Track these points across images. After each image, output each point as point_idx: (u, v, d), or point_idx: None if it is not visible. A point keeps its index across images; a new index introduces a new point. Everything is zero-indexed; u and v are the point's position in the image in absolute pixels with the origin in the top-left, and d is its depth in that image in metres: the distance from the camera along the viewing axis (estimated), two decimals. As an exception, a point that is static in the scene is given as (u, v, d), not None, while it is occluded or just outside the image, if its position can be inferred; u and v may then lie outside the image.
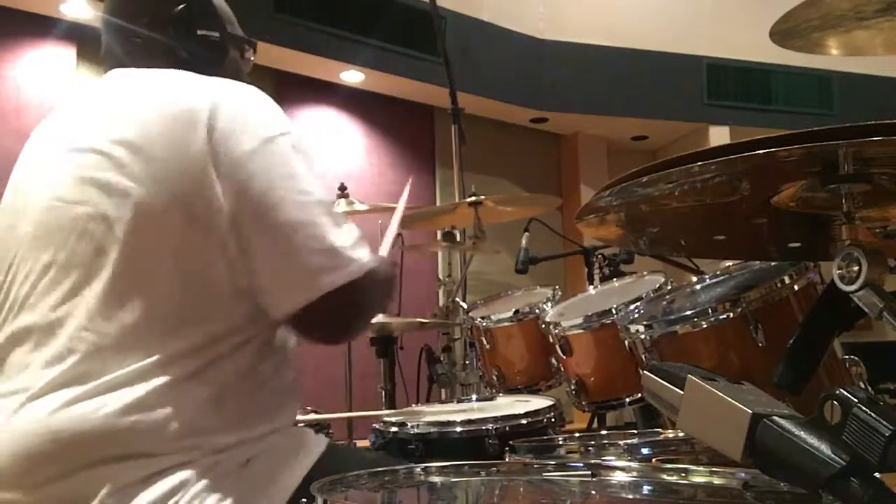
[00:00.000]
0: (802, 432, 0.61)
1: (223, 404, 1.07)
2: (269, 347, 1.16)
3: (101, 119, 1.16)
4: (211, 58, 1.29)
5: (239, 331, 1.10)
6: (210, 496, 1.03)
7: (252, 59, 1.41)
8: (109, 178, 1.08)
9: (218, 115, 1.09)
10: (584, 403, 2.13)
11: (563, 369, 2.19)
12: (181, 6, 1.27)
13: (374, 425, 1.84)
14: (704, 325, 1.53)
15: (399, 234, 3.12)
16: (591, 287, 2.63)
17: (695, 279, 1.83)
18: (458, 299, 3.01)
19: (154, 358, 1.03)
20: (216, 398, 1.06)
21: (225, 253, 1.07)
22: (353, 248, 1.11)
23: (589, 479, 0.88)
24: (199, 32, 1.29)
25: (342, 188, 3.02)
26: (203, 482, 1.03)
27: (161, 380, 1.03)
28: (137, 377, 1.02)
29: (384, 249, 1.50)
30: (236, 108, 1.11)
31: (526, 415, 1.73)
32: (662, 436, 1.38)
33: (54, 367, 1.03)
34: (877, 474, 0.59)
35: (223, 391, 1.07)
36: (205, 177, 1.07)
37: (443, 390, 2.86)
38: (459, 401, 2.23)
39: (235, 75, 1.25)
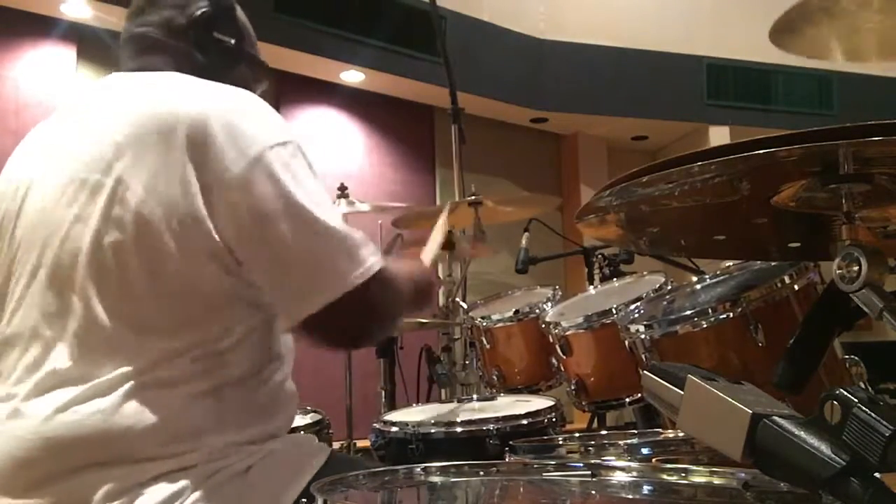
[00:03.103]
0: (802, 432, 0.61)
1: (219, 408, 1.07)
2: (266, 352, 1.15)
3: (92, 122, 1.15)
4: (223, 65, 1.27)
5: (234, 336, 1.08)
6: (213, 500, 1.02)
7: (264, 86, 1.39)
8: (95, 182, 1.07)
9: (205, 125, 1.05)
10: (584, 403, 2.13)
11: (563, 369, 2.19)
12: (203, 9, 1.26)
13: (373, 425, 1.84)
14: (704, 325, 1.53)
15: (399, 235, 3.13)
16: (591, 287, 2.63)
17: (695, 279, 1.83)
18: (458, 299, 3.00)
19: (145, 362, 1.03)
20: (212, 402, 1.06)
21: (216, 260, 1.05)
22: (360, 249, 1.09)
23: (589, 479, 0.88)
24: (215, 35, 1.28)
25: (342, 188, 3.02)
26: (202, 489, 1.02)
27: (153, 383, 1.02)
28: (128, 381, 1.02)
29: (426, 260, 1.52)
30: (225, 119, 1.07)
31: (526, 415, 1.73)
32: (662, 436, 1.38)
33: (44, 370, 1.03)
34: (877, 474, 0.59)
35: (219, 395, 1.07)
36: (188, 184, 1.04)
37: (443, 390, 2.86)
38: (460, 401, 2.23)
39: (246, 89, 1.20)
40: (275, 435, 1.15)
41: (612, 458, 1.13)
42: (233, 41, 1.30)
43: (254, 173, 1.05)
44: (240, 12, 1.34)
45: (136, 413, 1.01)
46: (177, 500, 1.00)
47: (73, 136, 1.15)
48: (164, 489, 1.00)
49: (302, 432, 1.83)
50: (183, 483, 1.01)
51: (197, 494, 1.02)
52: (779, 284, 1.48)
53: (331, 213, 1.10)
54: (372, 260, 1.10)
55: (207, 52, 1.26)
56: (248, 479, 1.08)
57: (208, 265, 1.05)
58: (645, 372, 0.73)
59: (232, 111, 1.09)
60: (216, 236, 1.04)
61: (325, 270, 1.07)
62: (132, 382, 1.02)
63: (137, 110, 1.10)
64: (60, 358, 1.04)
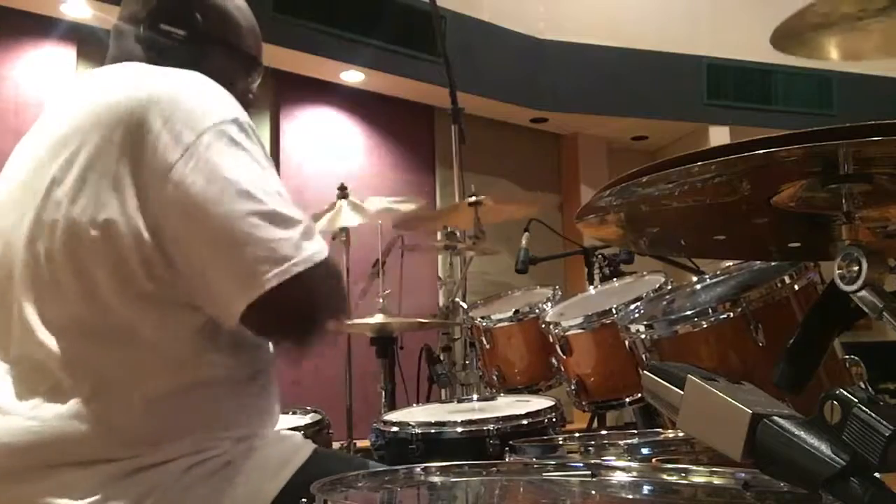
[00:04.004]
0: (802, 432, 0.61)
1: (187, 408, 1.06)
2: (240, 353, 1.13)
3: (45, 124, 1.15)
4: (181, 55, 1.23)
5: (185, 338, 1.06)
6: (186, 498, 1.02)
7: (257, 81, 1.36)
8: (33, 186, 1.07)
9: (144, 112, 1.03)
10: (584, 403, 2.13)
11: (563, 369, 2.19)
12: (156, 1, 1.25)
13: (373, 425, 1.84)
14: (704, 325, 1.53)
15: (399, 235, 3.13)
16: (591, 287, 2.63)
17: (695, 279, 1.83)
18: (458, 299, 3.00)
19: (98, 366, 1.02)
20: (179, 403, 1.05)
21: (144, 263, 1.02)
22: (299, 240, 1.04)
23: (589, 479, 0.88)
24: (163, 27, 1.25)
25: (342, 188, 3.02)
26: (173, 486, 1.02)
27: (103, 384, 1.02)
28: (76, 384, 1.01)
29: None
30: (169, 100, 1.04)
31: (526, 415, 1.73)
32: (662, 436, 1.38)
33: (9, 376, 1.04)
34: (877, 474, 0.59)
35: (182, 391, 1.06)
36: (120, 176, 1.02)
37: (443, 390, 2.86)
38: (460, 401, 2.23)
39: (218, 82, 1.15)
40: (253, 433, 1.14)
41: (612, 458, 1.13)
42: (183, 32, 1.25)
43: (196, 153, 1.02)
44: (220, 3, 1.30)
45: (90, 415, 1.00)
46: (147, 499, 1.00)
47: (30, 140, 1.16)
48: (132, 487, 1.00)
49: (302, 432, 1.83)
50: (157, 479, 1.01)
51: (175, 488, 1.01)
52: (779, 284, 1.48)
53: (275, 197, 1.05)
54: (315, 248, 1.06)
55: (160, 42, 1.24)
56: (228, 473, 1.08)
57: (137, 268, 1.02)
58: (645, 372, 0.73)
59: (174, 92, 1.07)
60: (145, 234, 1.01)
61: (264, 256, 1.01)
62: (83, 386, 1.01)
63: (82, 108, 1.10)
64: (9, 365, 1.04)
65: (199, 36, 1.27)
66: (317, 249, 1.06)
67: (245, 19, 1.33)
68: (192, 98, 1.07)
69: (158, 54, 1.22)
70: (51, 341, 1.03)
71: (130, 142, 1.03)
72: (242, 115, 1.09)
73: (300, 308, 1.08)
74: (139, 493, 1.00)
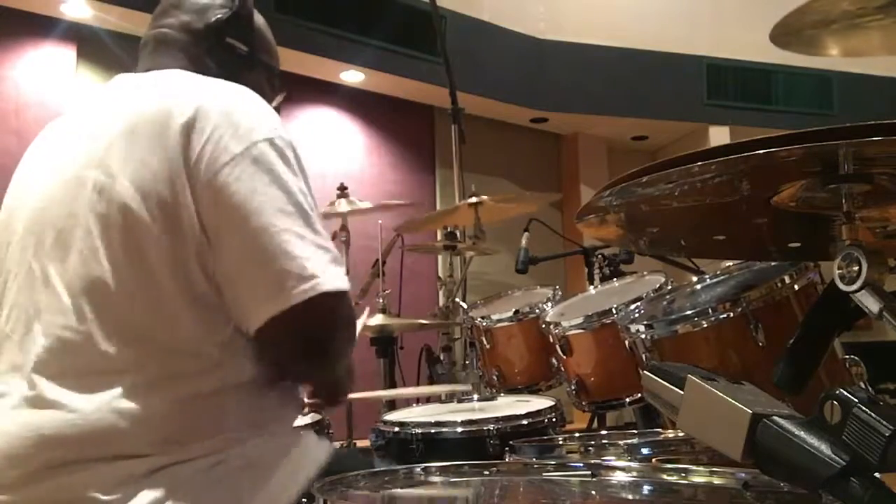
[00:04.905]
0: (802, 432, 0.61)
1: (214, 409, 1.06)
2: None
3: (89, 122, 1.16)
4: (233, 70, 1.27)
5: (222, 339, 1.08)
6: (207, 497, 1.02)
7: (280, 98, 1.40)
8: (87, 179, 1.08)
9: (198, 117, 1.06)
10: (584, 403, 2.13)
11: (563, 369, 2.19)
12: (219, 15, 1.29)
13: (374, 425, 1.84)
14: (705, 325, 1.53)
15: (399, 235, 3.13)
16: (591, 287, 2.63)
17: (695, 279, 1.83)
18: (458, 299, 3.01)
19: (138, 362, 1.03)
20: (207, 403, 1.06)
21: (199, 257, 1.04)
22: (329, 265, 1.07)
23: (589, 479, 0.88)
24: (228, 41, 1.29)
25: (342, 188, 3.02)
26: (199, 483, 1.03)
27: (142, 380, 1.02)
28: (119, 379, 1.02)
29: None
30: (220, 110, 1.08)
31: (526, 415, 1.74)
32: (662, 436, 1.38)
33: (35, 369, 1.03)
34: (877, 474, 0.59)
35: (213, 392, 1.06)
36: (177, 180, 1.04)
37: (443, 390, 2.86)
38: (460, 401, 2.23)
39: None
40: (276, 433, 1.15)
41: (612, 458, 1.13)
42: (246, 49, 1.32)
43: (244, 163, 1.05)
44: (259, 21, 1.36)
45: (123, 410, 1.00)
46: (173, 495, 1.00)
47: (72, 136, 1.17)
48: (160, 482, 1.00)
49: (301, 432, 1.83)
50: (180, 476, 1.01)
51: (195, 486, 1.02)
52: (779, 284, 1.48)
53: (312, 219, 1.09)
54: (342, 276, 1.09)
55: (219, 57, 1.28)
56: (252, 472, 1.08)
57: (192, 263, 1.04)
58: (645, 372, 0.73)
59: (228, 103, 1.10)
60: (199, 232, 1.04)
61: (295, 272, 1.04)
62: (118, 381, 1.02)
63: (134, 108, 1.11)
64: (49, 356, 1.04)
65: (253, 53, 1.33)
66: (343, 278, 1.09)
67: (272, 39, 1.40)
68: (244, 111, 1.11)
69: (212, 66, 1.26)
70: (101, 335, 1.03)
71: (184, 144, 1.05)
72: (287, 134, 1.12)
73: (318, 331, 1.10)
74: (165, 489, 1.00)
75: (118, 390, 1.01)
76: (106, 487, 0.98)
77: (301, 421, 2.00)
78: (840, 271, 0.83)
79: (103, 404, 1.00)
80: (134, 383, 1.02)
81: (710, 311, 1.52)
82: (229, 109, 1.09)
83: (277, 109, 1.20)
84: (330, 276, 1.07)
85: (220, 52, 1.29)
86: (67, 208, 1.08)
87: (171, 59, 1.25)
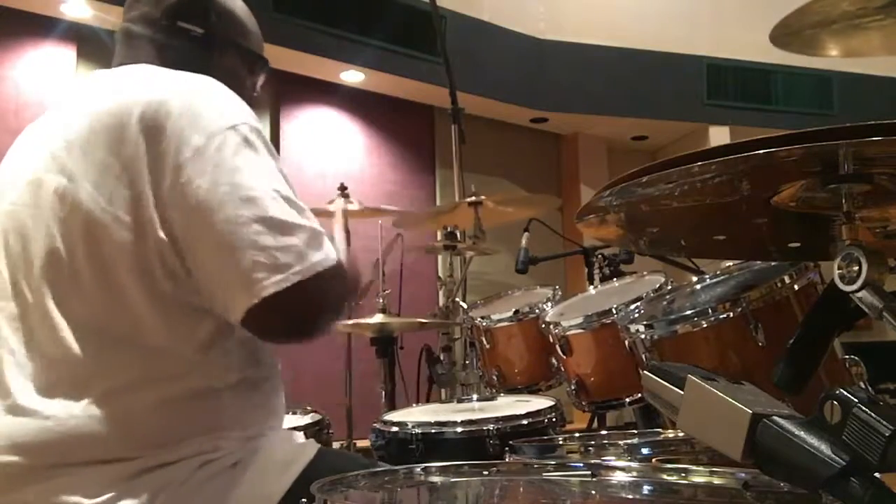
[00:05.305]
0: (802, 432, 0.61)
1: (197, 407, 1.06)
2: (248, 357, 1.14)
3: (56, 122, 1.16)
4: (195, 54, 1.25)
5: (198, 341, 1.07)
6: (193, 499, 1.02)
7: (262, 79, 1.37)
8: (49, 182, 1.07)
9: (157, 114, 1.04)
10: (584, 403, 2.13)
11: (563, 369, 2.19)
12: (171, 1, 1.25)
13: (373, 425, 1.84)
14: (705, 325, 1.53)
15: (399, 235, 3.13)
16: (591, 287, 2.63)
17: (695, 279, 1.83)
18: (458, 299, 3.00)
19: (114, 366, 1.03)
20: (187, 401, 1.06)
21: (162, 261, 1.03)
22: (303, 248, 1.05)
23: (589, 479, 0.88)
24: (180, 25, 1.25)
25: (342, 188, 3.02)
26: (185, 485, 1.03)
27: (118, 384, 1.02)
28: (91, 383, 1.01)
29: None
30: (180, 104, 1.06)
31: (526, 415, 1.74)
32: (662, 436, 1.38)
33: (11, 376, 1.04)
34: (877, 474, 0.59)
35: (195, 394, 1.06)
36: (138, 180, 1.03)
37: (443, 390, 2.86)
38: (460, 401, 2.23)
39: (229, 82, 1.17)
40: (261, 434, 1.15)
41: (612, 458, 1.13)
42: (201, 31, 1.27)
43: (206, 155, 1.03)
44: (228, 3, 1.31)
45: (105, 416, 1.00)
46: (159, 497, 1.00)
47: (40, 137, 1.16)
48: (145, 485, 1.00)
49: (302, 432, 1.83)
50: (168, 477, 1.02)
51: (186, 487, 1.02)
52: (779, 284, 1.48)
53: (280, 203, 1.06)
54: (320, 256, 1.06)
55: (176, 42, 1.25)
56: (236, 473, 1.08)
57: (155, 264, 1.03)
58: (645, 372, 0.73)
59: (187, 96, 1.08)
60: (161, 233, 1.02)
61: (265, 263, 1.02)
62: (99, 386, 1.01)
63: (93, 107, 1.10)
64: (25, 363, 1.04)
65: (213, 35, 1.28)
66: (321, 257, 1.06)
67: (248, 18, 1.35)
68: (204, 102, 1.08)
69: (174, 54, 1.23)
70: (70, 339, 1.03)
71: (145, 142, 1.04)
72: (252, 120, 1.10)
73: (301, 314, 1.09)
74: (149, 492, 1.00)
75: (94, 395, 1.01)
76: (90, 491, 0.98)
77: (301, 421, 2.01)
78: (840, 271, 0.83)
79: (79, 410, 1.00)
80: (110, 387, 1.02)
81: (710, 311, 1.52)
82: (189, 102, 1.07)
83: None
84: (308, 259, 1.04)
85: (177, 38, 1.25)
86: (30, 212, 1.08)
87: (139, 52, 1.24)
